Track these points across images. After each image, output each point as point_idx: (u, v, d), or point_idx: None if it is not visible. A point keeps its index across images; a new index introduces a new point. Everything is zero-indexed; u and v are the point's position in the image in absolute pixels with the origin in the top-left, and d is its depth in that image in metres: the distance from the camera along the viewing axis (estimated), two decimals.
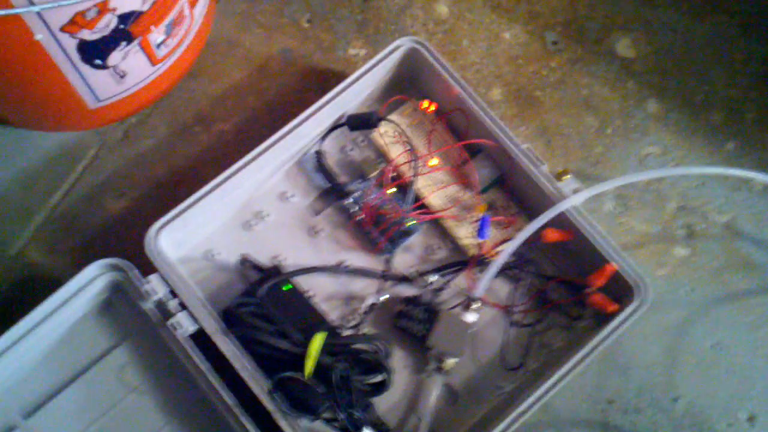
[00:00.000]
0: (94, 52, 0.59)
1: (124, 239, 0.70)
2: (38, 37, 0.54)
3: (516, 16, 0.80)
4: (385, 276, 0.66)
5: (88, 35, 0.56)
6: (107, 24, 0.56)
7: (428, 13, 0.79)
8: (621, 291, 0.66)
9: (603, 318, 0.66)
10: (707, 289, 0.73)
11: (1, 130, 0.72)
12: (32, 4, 0.49)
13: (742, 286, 0.73)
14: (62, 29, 0.54)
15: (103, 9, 0.54)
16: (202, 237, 0.68)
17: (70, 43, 0.56)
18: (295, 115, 0.66)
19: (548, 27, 0.80)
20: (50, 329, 0.62)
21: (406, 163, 0.68)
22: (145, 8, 0.57)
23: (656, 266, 0.73)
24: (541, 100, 0.77)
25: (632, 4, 0.81)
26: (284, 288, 0.65)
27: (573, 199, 0.65)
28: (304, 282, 0.67)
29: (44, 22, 0.53)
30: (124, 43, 0.60)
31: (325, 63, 0.76)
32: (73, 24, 0.54)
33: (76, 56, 0.58)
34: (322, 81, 0.75)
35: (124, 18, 0.57)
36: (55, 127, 0.72)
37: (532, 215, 0.67)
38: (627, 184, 0.70)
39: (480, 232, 0.66)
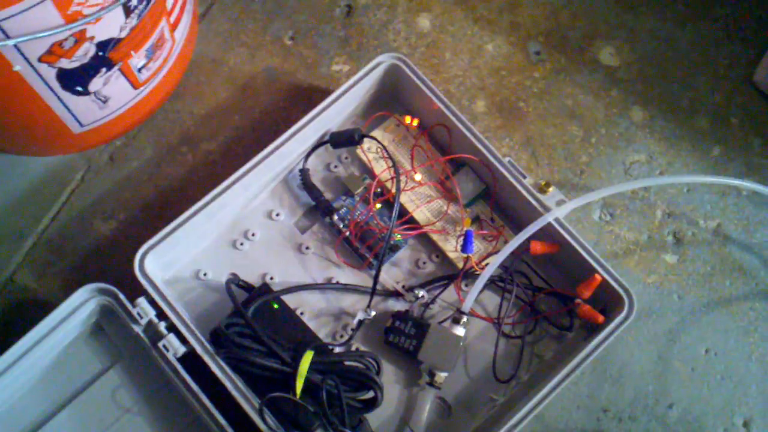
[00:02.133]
0: (74, 80, 0.59)
1: (114, 261, 0.70)
2: (17, 68, 0.54)
3: (498, 28, 0.80)
4: (374, 292, 0.66)
5: (66, 64, 0.56)
6: (86, 52, 0.56)
7: (410, 27, 0.79)
8: (609, 301, 0.66)
9: (593, 327, 0.66)
10: (698, 296, 0.73)
11: None
12: (8, 37, 0.50)
13: (733, 292, 0.73)
14: (40, 59, 0.54)
15: (80, 38, 0.54)
16: (190, 257, 0.68)
17: (50, 72, 0.57)
18: (280, 132, 0.67)
19: (531, 37, 0.80)
20: (42, 354, 0.62)
21: (390, 179, 0.69)
22: (123, 35, 0.58)
23: (646, 274, 0.73)
24: (525, 111, 0.77)
25: (615, 12, 0.81)
26: (273, 306, 0.65)
27: (557, 211, 0.65)
28: (292, 300, 0.67)
29: (21, 53, 0.53)
30: (104, 70, 0.60)
31: (309, 80, 0.77)
32: (51, 54, 0.54)
33: (56, 84, 0.58)
34: (307, 98, 0.76)
35: (103, 45, 0.57)
36: (40, 151, 0.72)
37: (517, 228, 0.67)
38: (613, 193, 0.69)
39: (464, 247, 0.66)
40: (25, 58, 0.54)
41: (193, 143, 0.74)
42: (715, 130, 0.78)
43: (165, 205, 0.72)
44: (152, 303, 0.62)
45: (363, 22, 0.79)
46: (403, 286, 0.68)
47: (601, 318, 0.65)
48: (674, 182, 0.75)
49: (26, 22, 0.50)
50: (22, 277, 0.70)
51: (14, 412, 0.63)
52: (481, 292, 0.65)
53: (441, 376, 0.65)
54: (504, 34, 0.79)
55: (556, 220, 0.65)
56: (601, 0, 0.81)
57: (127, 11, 0.56)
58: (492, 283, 0.68)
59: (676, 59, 0.80)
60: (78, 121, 0.65)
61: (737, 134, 0.78)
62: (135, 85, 0.66)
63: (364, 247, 0.68)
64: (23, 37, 0.50)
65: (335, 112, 0.69)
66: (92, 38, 0.55)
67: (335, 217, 0.69)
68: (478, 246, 0.68)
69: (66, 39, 0.54)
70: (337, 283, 0.68)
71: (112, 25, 0.56)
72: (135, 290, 0.63)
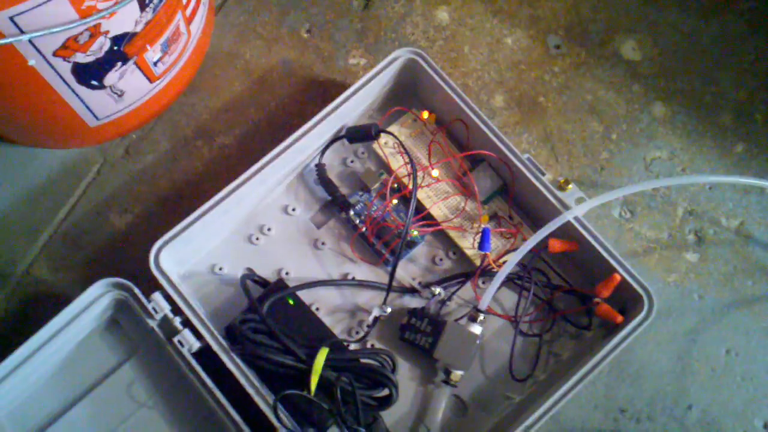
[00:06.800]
0: (90, 74, 0.59)
1: (130, 255, 0.70)
2: (31, 62, 0.54)
3: (517, 21, 0.78)
4: (390, 288, 0.65)
5: (82, 58, 0.56)
6: (101, 46, 0.56)
7: (428, 20, 0.78)
8: (628, 300, 0.65)
9: (611, 326, 0.65)
10: (718, 295, 0.71)
11: (4, 149, 0.72)
12: (22, 32, 0.49)
13: (755, 292, 0.72)
14: (55, 54, 0.54)
15: (95, 32, 0.54)
16: (205, 252, 0.68)
17: (65, 67, 0.56)
18: (296, 126, 0.66)
19: (551, 31, 0.78)
20: (57, 348, 0.63)
21: (407, 174, 0.68)
22: (138, 29, 0.57)
23: (666, 273, 0.72)
24: (545, 106, 0.76)
25: (637, 5, 0.79)
26: (288, 302, 0.64)
27: (576, 209, 0.64)
28: (308, 295, 0.66)
29: (36, 48, 0.53)
30: (119, 64, 0.60)
31: (326, 73, 0.76)
32: (66, 48, 0.54)
33: (71, 78, 0.58)
34: (323, 91, 0.75)
35: (118, 40, 0.57)
36: (56, 145, 0.72)
37: (536, 225, 0.67)
38: (634, 192, 0.68)
39: (481, 245, 0.65)
40: (40, 53, 0.54)
41: (209, 137, 0.74)
42: (739, 127, 0.76)
43: (180, 199, 0.72)
44: (167, 298, 0.62)
45: (380, 15, 0.78)
46: (420, 283, 0.68)
47: (620, 318, 0.64)
48: (697, 182, 0.73)
49: (40, 17, 0.50)
50: (39, 270, 0.70)
51: (29, 406, 0.63)
52: (498, 289, 0.64)
53: (457, 374, 0.64)
54: (523, 28, 0.78)
55: (576, 218, 0.64)
56: None
57: (142, 5, 0.56)
58: (509, 281, 0.67)
59: (699, 54, 0.78)
60: (94, 115, 0.65)
61: (761, 131, 0.76)
62: (151, 78, 0.65)
63: (380, 243, 0.67)
64: (37, 32, 0.49)
65: (352, 107, 0.68)
66: (107, 32, 0.55)
67: (351, 213, 0.68)
68: (495, 243, 0.68)
69: (81, 33, 0.53)
70: (353, 279, 0.68)
71: (127, 19, 0.56)
72: (150, 285, 0.63)
